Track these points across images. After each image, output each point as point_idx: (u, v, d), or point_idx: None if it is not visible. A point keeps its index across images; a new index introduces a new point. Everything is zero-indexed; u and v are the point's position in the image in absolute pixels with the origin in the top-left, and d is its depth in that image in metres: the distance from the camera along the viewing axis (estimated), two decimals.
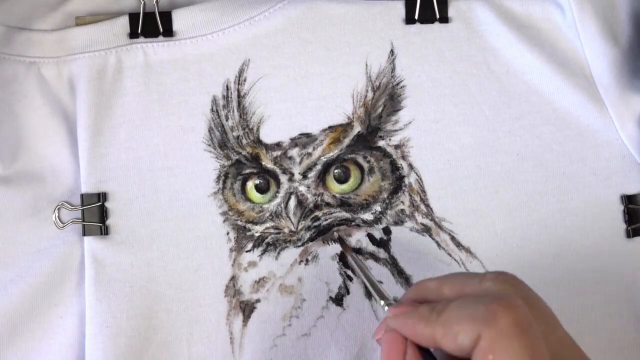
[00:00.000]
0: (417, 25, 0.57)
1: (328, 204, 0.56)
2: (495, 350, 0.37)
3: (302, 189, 0.56)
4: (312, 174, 0.56)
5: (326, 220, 0.56)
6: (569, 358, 0.41)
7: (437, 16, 0.57)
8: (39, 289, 0.55)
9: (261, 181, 0.56)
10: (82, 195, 0.55)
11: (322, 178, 0.56)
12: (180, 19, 0.57)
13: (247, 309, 0.55)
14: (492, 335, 0.37)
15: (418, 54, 0.57)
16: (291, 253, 0.56)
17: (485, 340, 0.38)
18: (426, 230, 0.56)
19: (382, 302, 0.47)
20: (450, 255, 0.55)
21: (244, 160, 0.56)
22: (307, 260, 0.55)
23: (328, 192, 0.56)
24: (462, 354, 0.39)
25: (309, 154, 0.56)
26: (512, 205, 0.56)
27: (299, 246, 0.56)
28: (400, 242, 0.55)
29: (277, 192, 0.56)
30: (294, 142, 0.56)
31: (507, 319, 0.38)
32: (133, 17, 0.56)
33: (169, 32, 0.57)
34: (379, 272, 0.55)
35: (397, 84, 0.57)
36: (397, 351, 0.42)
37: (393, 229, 0.56)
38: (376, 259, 0.55)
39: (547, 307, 0.42)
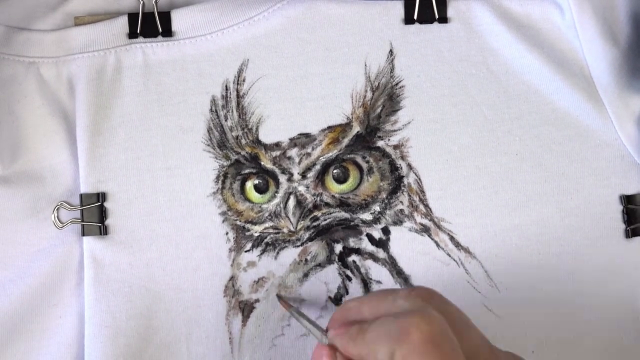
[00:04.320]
0: (416, 25, 0.57)
1: (327, 204, 0.56)
2: None
3: (301, 189, 0.56)
4: (311, 174, 0.56)
5: (325, 220, 0.56)
6: None
7: (436, 16, 0.57)
8: (38, 289, 0.55)
9: (260, 181, 0.56)
10: (81, 195, 0.55)
11: (321, 178, 0.56)
12: (179, 19, 0.57)
13: (246, 308, 0.55)
14: (405, 352, 0.39)
15: (417, 54, 0.57)
16: (290, 253, 0.56)
17: (398, 357, 0.39)
18: (425, 230, 0.56)
19: (320, 335, 0.47)
20: (449, 255, 0.55)
21: (243, 160, 0.56)
22: (306, 260, 0.56)
23: (327, 192, 0.56)
24: None
25: (308, 154, 0.56)
26: (511, 206, 0.56)
27: (298, 246, 0.56)
28: (399, 242, 0.55)
29: (276, 192, 0.56)
30: (293, 142, 0.56)
31: (419, 334, 0.39)
32: (132, 17, 0.56)
33: (168, 32, 0.57)
34: (378, 272, 0.55)
35: (396, 84, 0.57)
36: None
37: (392, 229, 0.56)
38: (375, 259, 0.55)
39: (462, 316, 0.43)
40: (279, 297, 0.55)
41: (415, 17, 0.57)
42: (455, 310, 0.44)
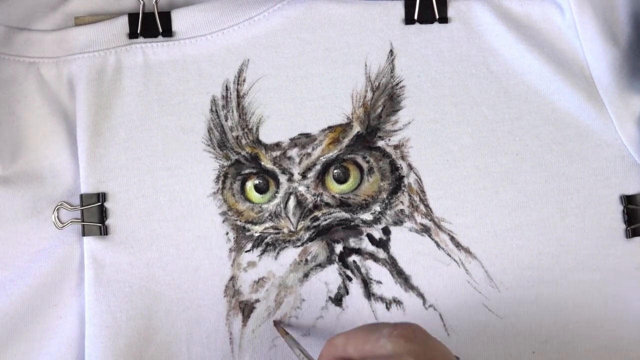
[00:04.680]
0: (417, 25, 0.57)
1: (327, 204, 0.56)
2: None
3: (302, 189, 0.56)
4: (311, 174, 0.56)
5: (325, 220, 0.56)
6: None
7: (437, 16, 0.57)
8: (38, 289, 0.55)
9: (260, 181, 0.56)
10: (81, 196, 0.55)
11: (321, 178, 0.56)
12: (179, 19, 0.57)
13: (246, 309, 0.55)
14: None
15: (417, 54, 0.57)
16: (290, 253, 0.56)
17: None
18: (425, 230, 0.56)
19: None
20: (450, 256, 0.55)
21: (244, 160, 0.56)
22: (306, 260, 0.56)
23: (327, 192, 0.56)
24: None
25: (308, 154, 0.56)
26: (511, 206, 0.56)
27: (298, 246, 0.56)
28: (399, 242, 0.55)
29: (277, 192, 0.56)
30: (294, 142, 0.56)
31: None
32: (132, 18, 0.56)
33: (168, 33, 0.57)
34: (379, 272, 0.55)
35: (397, 84, 0.57)
36: None
37: (392, 229, 0.56)
38: (375, 259, 0.55)
39: (445, 354, 0.43)
40: (276, 323, 0.55)
41: (415, 17, 0.57)
42: (439, 349, 0.43)
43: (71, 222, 0.55)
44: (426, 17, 0.57)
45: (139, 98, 0.56)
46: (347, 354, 0.44)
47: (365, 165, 0.56)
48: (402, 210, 0.56)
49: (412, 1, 0.57)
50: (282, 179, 0.56)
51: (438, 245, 0.55)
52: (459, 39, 0.57)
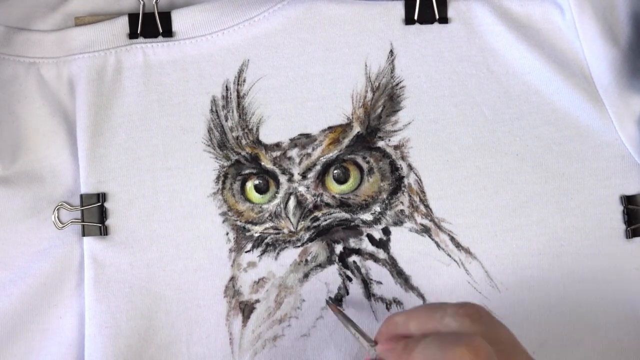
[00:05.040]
0: (417, 25, 0.57)
1: (327, 205, 0.56)
2: None
3: (302, 189, 0.56)
4: (311, 175, 0.56)
5: (325, 220, 0.56)
6: None
7: (437, 17, 0.57)
8: (38, 289, 0.55)
9: (260, 181, 0.56)
10: (81, 196, 0.55)
11: (321, 178, 0.56)
12: (179, 20, 0.57)
13: (246, 309, 0.55)
14: None
15: (417, 54, 0.57)
16: (290, 253, 0.56)
17: None
18: (425, 230, 0.56)
19: (367, 345, 0.48)
20: (450, 256, 0.55)
21: (244, 160, 0.56)
22: (306, 261, 0.56)
23: (327, 193, 0.56)
24: None
25: (309, 155, 0.56)
26: (511, 206, 0.56)
27: (299, 246, 0.56)
28: (399, 242, 0.55)
29: (277, 192, 0.56)
30: (294, 142, 0.56)
31: None
32: (132, 18, 0.56)
33: (168, 33, 0.57)
34: (379, 272, 0.55)
35: (397, 85, 0.57)
36: None
37: (392, 229, 0.56)
38: (375, 259, 0.55)
39: (509, 337, 0.43)
40: (329, 302, 0.55)
41: (415, 17, 0.57)
42: (504, 332, 0.43)
43: (71, 222, 0.55)
44: (426, 18, 0.57)
45: (139, 98, 0.56)
46: (408, 332, 0.44)
47: (365, 166, 0.56)
48: (402, 211, 0.56)
49: (412, 1, 0.57)
50: (282, 179, 0.56)
51: (438, 245, 0.55)
52: (459, 39, 0.57)
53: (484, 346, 0.40)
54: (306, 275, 0.55)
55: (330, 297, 0.55)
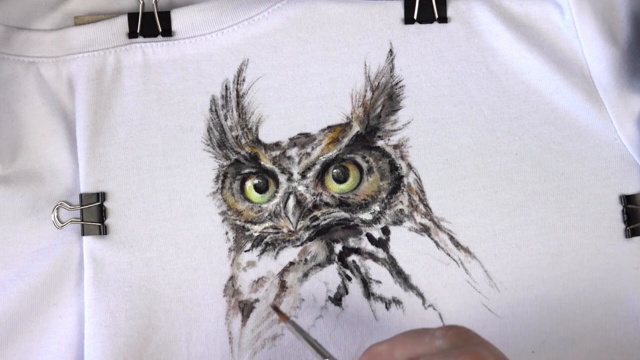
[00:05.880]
0: (416, 25, 0.57)
1: (327, 204, 0.56)
2: None
3: (301, 188, 0.56)
4: (310, 174, 0.56)
5: (325, 220, 0.56)
6: None
7: (436, 16, 0.57)
8: (38, 288, 0.55)
9: (260, 181, 0.56)
10: (81, 195, 0.55)
11: (321, 178, 0.56)
12: (179, 19, 0.57)
13: (246, 308, 0.55)
14: None
15: (417, 53, 0.57)
16: (290, 253, 0.56)
17: None
18: (425, 230, 0.56)
19: (320, 357, 0.46)
20: (449, 255, 0.55)
21: (243, 160, 0.56)
22: (305, 260, 0.56)
23: (327, 192, 0.56)
24: None
25: (308, 154, 0.56)
26: (511, 205, 0.56)
27: (298, 246, 0.56)
28: (399, 242, 0.55)
29: (276, 191, 0.56)
30: (293, 141, 0.56)
31: None
32: (132, 17, 0.56)
33: (167, 32, 0.57)
34: (378, 271, 0.55)
35: (396, 84, 0.57)
36: None
37: (392, 228, 0.56)
38: (375, 258, 0.55)
39: (500, 355, 0.42)
40: (275, 307, 0.54)
41: (415, 16, 0.57)
42: (494, 350, 0.42)
43: (71, 221, 0.55)
44: (426, 17, 0.57)
45: (139, 97, 0.56)
46: None
47: (364, 165, 0.56)
48: (401, 210, 0.56)
49: (411, 1, 0.57)
50: (282, 178, 0.56)
51: (437, 244, 0.55)
52: (458, 38, 0.57)
53: (488, 354, 0.39)
54: (305, 275, 0.55)
55: (330, 297, 0.55)
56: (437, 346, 0.41)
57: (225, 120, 0.56)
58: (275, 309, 0.54)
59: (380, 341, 0.44)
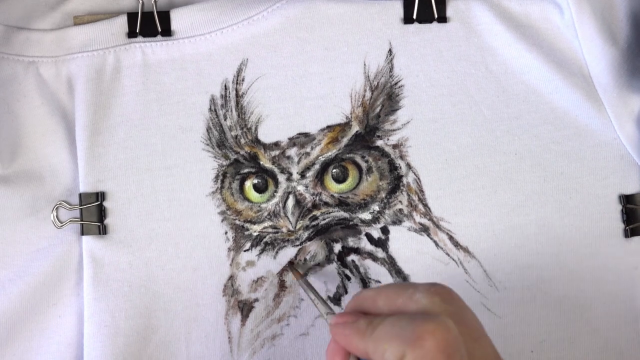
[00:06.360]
0: (415, 24, 0.57)
1: (326, 204, 0.56)
2: None
3: (300, 188, 0.56)
4: (310, 174, 0.56)
5: (324, 219, 0.56)
6: None
7: (436, 16, 0.57)
8: (37, 288, 0.55)
9: (259, 180, 0.56)
10: (80, 195, 0.55)
11: (320, 178, 0.56)
12: (178, 19, 0.57)
13: (245, 308, 0.55)
14: (416, 356, 0.38)
15: (416, 53, 0.57)
16: (289, 252, 0.56)
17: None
18: (424, 229, 0.56)
19: (325, 312, 0.47)
20: (448, 255, 0.55)
21: (242, 159, 0.56)
22: (305, 260, 0.56)
23: (326, 192, 0.56)
24: None
25: (307, 154, 0.56)
26: (510, 205, 0.56)
27: (297, 245, 0.56)
28: (398, 241, 0.55)
29: (276, 191, 0.56)
30: (292, 141, 0.56)
31: (432, 342, 0.38)
32: (131, 17, 0.57)
33: (167, 32, 0.57)
34: (378, 271, 0.55)
35: (395, 84, 0.57)
36: None
37: (391, 228, 0.56)
38: (374, 258, 0.55)
39: (475, 321, 0.42)
40: (291, 265, 0.54)
41: (414, 16, 0.57)
42: (471, 315, 0.42)
43: (70, 221, 0.56)
44: (425, 17, 0.57)
45: (138, 97, 0.56)
46: (375, 308, 0.43)
47: (364, 165, 0.56)
48: (400, 210, 0.56)
49: (411, 1, 0.57)
50: (281, 178, 0.56)
51: (437, 244, 0.55)
52: (457, 38, 0.57)
53: (452, 330, 0.39)
54: (305, 275, 0.55)
55: (329, 296, 0.55)
56: (416, 299, 0.41)
57: (225, 120, 0.56)
58: (291, 265, 0.54)
59: (369, 288, 0.45)
